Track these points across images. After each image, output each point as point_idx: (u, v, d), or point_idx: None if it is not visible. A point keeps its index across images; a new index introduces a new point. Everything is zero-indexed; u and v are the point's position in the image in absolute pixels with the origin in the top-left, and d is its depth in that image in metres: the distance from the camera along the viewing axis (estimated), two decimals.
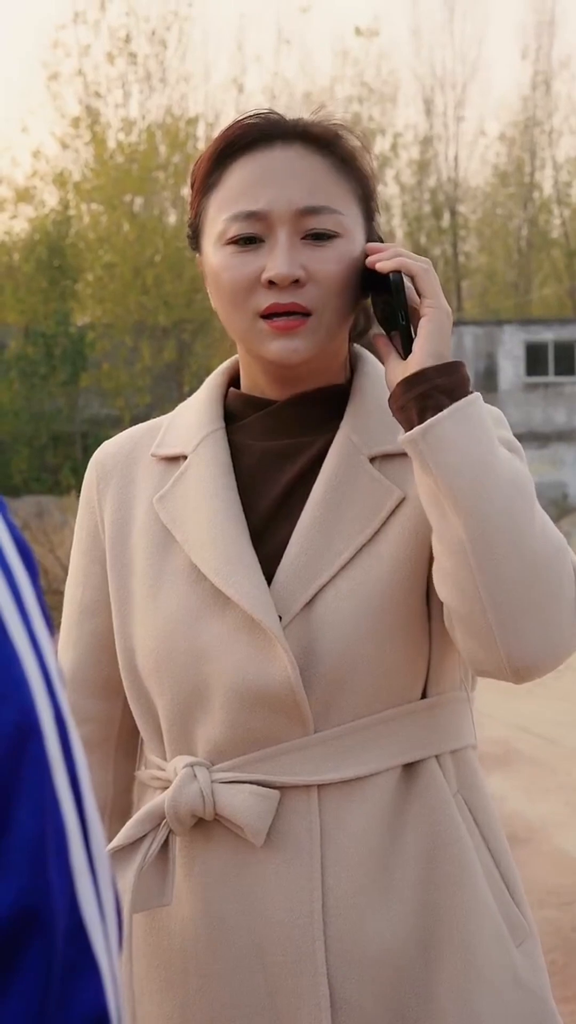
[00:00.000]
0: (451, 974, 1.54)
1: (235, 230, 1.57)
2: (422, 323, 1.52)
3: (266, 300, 1.56)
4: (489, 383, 33.42)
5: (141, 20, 39.17)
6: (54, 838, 0.70)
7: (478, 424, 1.47)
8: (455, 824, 1.57)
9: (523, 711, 9.47)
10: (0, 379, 33.20)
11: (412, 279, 1.55)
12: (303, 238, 1.57)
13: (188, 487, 1.65)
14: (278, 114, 1.63)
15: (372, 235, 1.65)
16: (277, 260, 1.55)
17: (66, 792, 0.72)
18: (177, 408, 1.77)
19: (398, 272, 1.54)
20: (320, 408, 1.63)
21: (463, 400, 1.48)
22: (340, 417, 1.64)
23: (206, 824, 1.58)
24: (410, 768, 1.58)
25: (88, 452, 31.41)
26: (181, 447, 1.68)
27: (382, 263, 1.55)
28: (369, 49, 57.98)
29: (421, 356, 1.51)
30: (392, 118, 44.73)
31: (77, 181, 35.34)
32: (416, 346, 1.52)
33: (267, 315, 1.56)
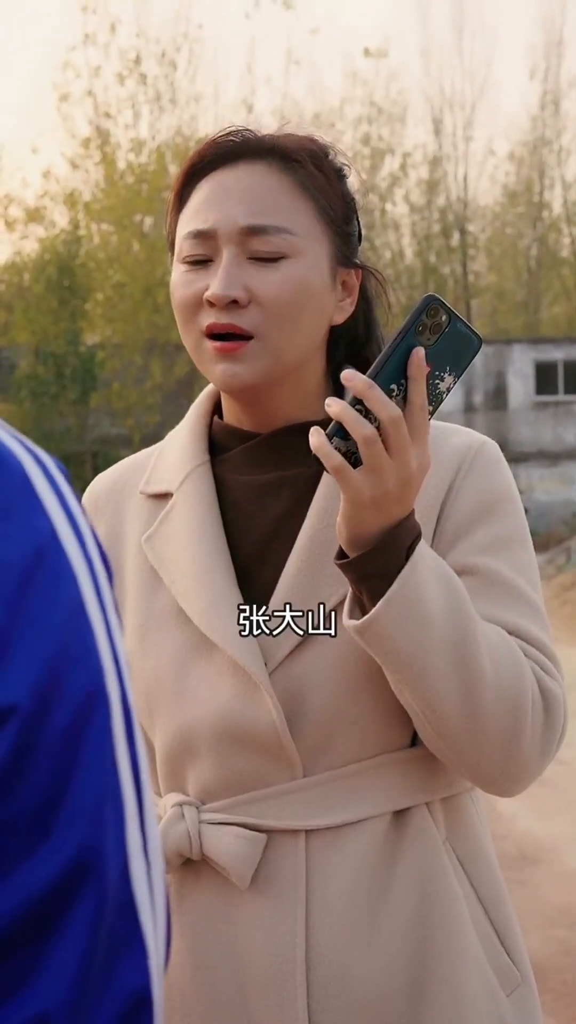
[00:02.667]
0: (439, 1023, 1.51)
1: (188, 249, 1.56)
2: (339, 512, 1.42)
3: (207, 319, 1.53)
4: (498, 402, 33.40)
5: (151, 41, 39.34)
6: (112, 808, 0.71)
7: (417, 603, 1.40)
8: (444, 872, 1.55)
9: None
10: (10, 399, 33.23)
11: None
12: (250, 258, 1.53)
13: (174, 527, 1.63)
14: (251, 131, 1.59)
15: (344, 260, 1.60)
16: (216, 280, 1.52)
17: (127, 769, 0.73)
18: (166, 438, 1.75)
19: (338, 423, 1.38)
20: (304, 441, 1.54)
21: (396, 583, 1.39)
22: None
23: (195, 864, 1.56)
24: (400, 815, 1.55)
25: (98, 471, 31.07)
26: (167, 484, 1.66)
27: (328, 406, 1.39)
28: (378, 70, 58.21)
29: (340, 538, 1.43)
30: (401, 138, 44.85)
31: (87, 201, 35.43)
32: (345, 522, 1.42)
33: (211, 335, 1.54)
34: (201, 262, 1.55)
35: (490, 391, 33.54)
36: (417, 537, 1.43)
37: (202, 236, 1.54)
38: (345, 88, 57.48)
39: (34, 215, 36.11)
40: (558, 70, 45.44)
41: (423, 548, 1.43)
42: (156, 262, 32.16)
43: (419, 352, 1.39)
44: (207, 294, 1.52)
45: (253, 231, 1.53)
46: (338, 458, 1.37)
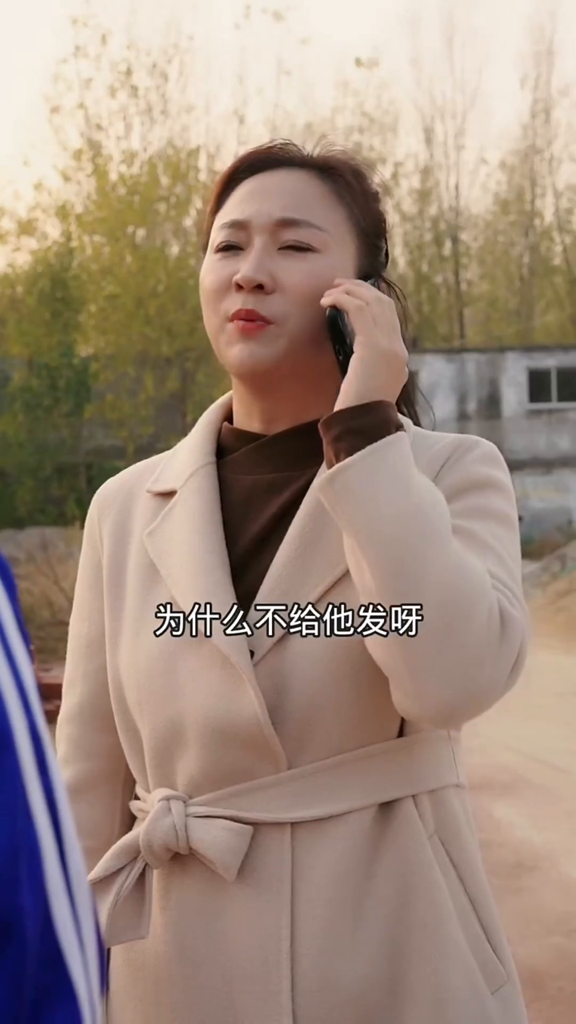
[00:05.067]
0: (420, 1018, 1.51)
1: (222, 238, 1.63)
2: (351, 361, 1.52)
3: (234, 304, 1.59)
4: (492, 410, 33.45)
5: (142, 53, 39.42)
6: (28, 859, 0.67)
7: (392, 467, 1.44)
8: (429, 866, 1.55)
9: (530, 738, 9.46)
10: (4, 411, 33.24)
11: (346, 314, 1.55)
12: (281, 248, 1.60)
13: (175, 522, 1.66)
14: (296, 145, 1.68)
15: (371, 268, 1.66)
16: (245, 266, 1.59)
17: (41, 810, 0.69)
18: (177, 444, 1.79)
19: (334, 307, 1.55)
20: (309, 442, 1.61)
21: (379, 442, 1.45)
22: None
23: (182, 858, 1.57)
24: (385, 807, 1.55)
25: (92, 483, 31.42)
26: (172, 483, 1.70)
27: (323, 298, 1.56)
28: (369, 80, 58.29)
29: (343, 396, 1.51)
30: (393, 147, 44.95)
31: (79, 213, 35.47)
32: (343, 385, 1.52)
33: (233, 319, 1.59)
34: (233, 249, 1.62)
35: (484, 399, 33.59)
36: (402, 428, 1.50)
37: (237, 226, 1.62)
38: (336, 98, 57.77)
39: (26, 227, 36.13)
40: (549, 79, 45.43)
41: (407, 439, 1.49)
42: (148, 273, 32.21)
43: (332, 311, 1.57)
44: (236, 276, 1.58)
45: (286, 223, 1.60)
46: (359, 301, 1.54)
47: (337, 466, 1.45)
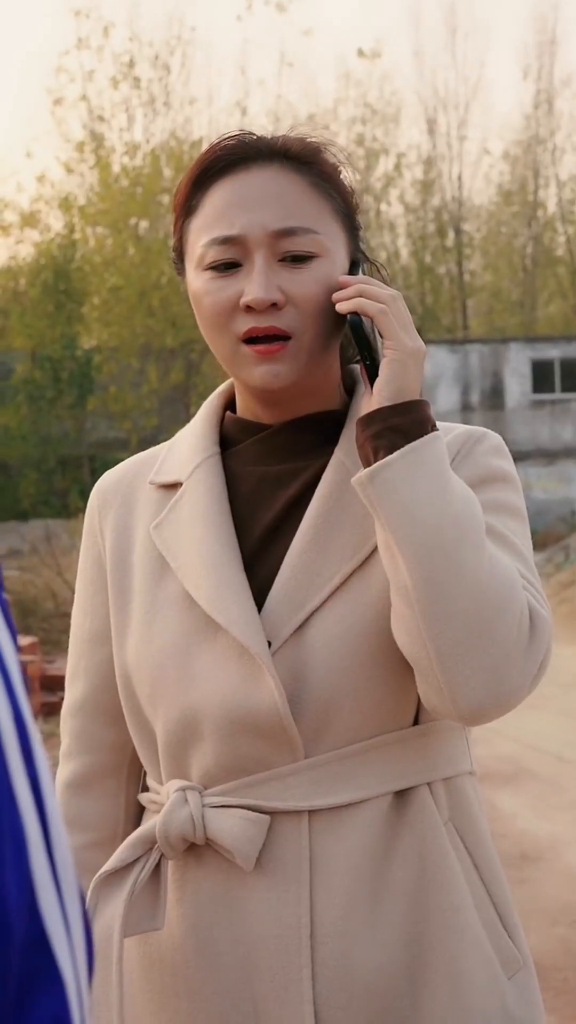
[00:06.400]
0: (438, 1005, 1.52)
1: (213, 255, 1.57)
2: (382, 365, 1.51)
3: (245, 324, 1.55)
4: (495, 401, 33.42)
5: (144, 45, 39.37)
6: (12, 844, 0.67)
7: (432, 466, 1.46)
8: (445, 853, 1.56)
9: (533, 729, 9.46)
10: (8, 403, 33.27)
11: (371, 321, 1.54)
12: (280, 260, 1.56)
13: (183, 514, 1.65)
14: (255, 134, 1.62)
15: (356, 252, 1.64)
16: (254, 285, 1.54)
17: (27, 798, 0.69)
18: (176, 435, 1.78)
19: (355, 314, 1.54)
20: (314, 433, 1.62)
21: (418, 440, 1.46)
22: (335, 442, 1.63)
23: (198, 848, 1.58)
24: (401, 795, 1.56)
25: (96, 475, 31.32)
26: (177, 474, 1.69)
27: (340, 304, 1.54)
28: (372, 70, 58.24)
29: (378, 396, 1.50)
30: (395, 138, 44.86)
31: (82, 205, 35.46)
32: (376, 386, 1.51)
33: (248, 339, 1.56)
34: (229, 267, 1.57)
35: (487, 390, 33.55)
36: (437, 429, 1.51)
37: (229, 242, 1.56)
38: (339, 89, 57.64)
39: (29, 219, 36.15)
40: (551, 69, 45.36)
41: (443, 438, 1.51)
42: (151, 265, 32.19)
43: (354, 318, 1.56)
44: (246, 300, 1.54)
45: (285, 233, 1.55)
46: (382, 305, 1.52)
47: (378, 463, 1.45)
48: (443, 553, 1.43)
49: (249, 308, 1.55)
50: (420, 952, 1.53)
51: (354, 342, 1.55)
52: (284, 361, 1.56)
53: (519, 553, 1.55)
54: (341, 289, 1.56)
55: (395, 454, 1.45)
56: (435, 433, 1.48)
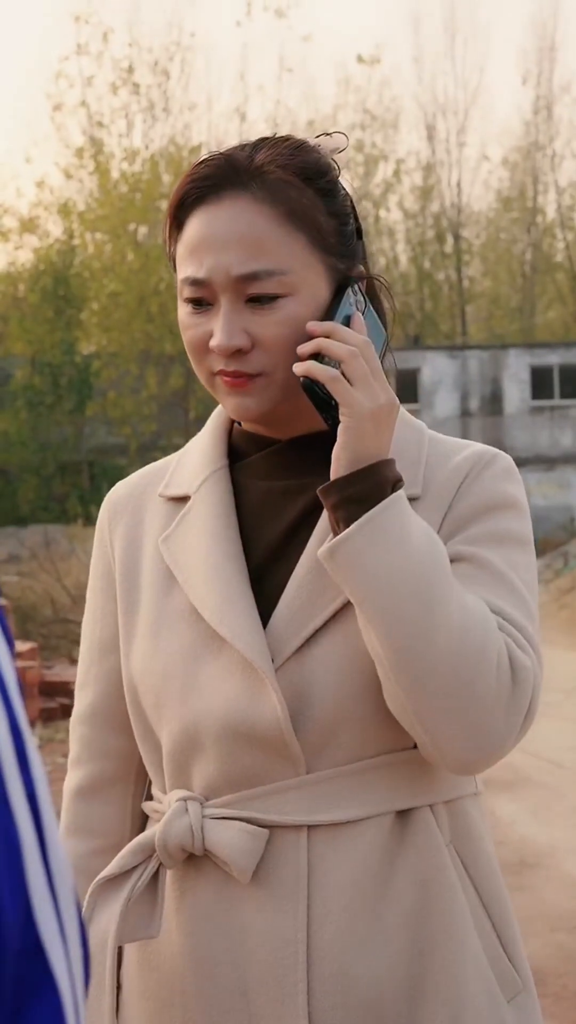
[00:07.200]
0: None
1: (187, 292, 1.57)
2: (339, 429, 1.49)
3: (216, 364, 1.56)
4: (495, 407, 33.44)
5: (144, 51, 39.47)
6: (6, 853, 0.67)
7: (392, 532, 1.45)
8: (447, 875, 1.55)
9: (533, 735, 9.44)
10: (7, 409, 33.28)
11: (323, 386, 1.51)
12: (248, 301, 1.54)
13: (190, 528, 1.66)
14: (228, 155, 1.58)
15: (347, 274, 1.58)
16: (218, 331, 1.54)
17: (22, 807, 0.69)
18: (186, 446, 1.78)
19: (307, 377, 1.50)
20: (323, 449, 1.59)
21: (376, 508, 1.45)
22: None
23: (197, 859, 1.58)
24: (403, 815, 1.56)
25: (95, 480, 31.42)
26: (185, 487, 1.69)
27: (295, 366, 1.51)
28: (371, 76, 58.33)
29: (335, 464, 1.49)
30: (395, 144, 44.95)
31: (81, 211, 35.52)
32: (333, 453, 1.50)
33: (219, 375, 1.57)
34: (202, 304, 1.57)
35: (486, 396, 33.57)
36: (400, 482, 1.48)
37: (198, 284, 1.55)
38: (338, 95, 57.59)
39: (28, 225, 36.19)
40: (551, 75, 45.50)
41: (404, 496, 1.48)
42: (150, 271, 32.22)
43: (358, 315, 1.57)
44: (212, 344, 1.55)
45: (247, 278, 1.53)
46: (333, 371, 1.48)
47: (337, 539, 1.45)
48: (411, 622, 1.43)
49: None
50: (419, 972, 1.52)
51: (312, 404, 1.53)
52: (253, 395, 1.56)
53: (512, 588, 1.54)
54: (310, 328, 1.52)
55: (353, 527, 1.44)
56: (394, 495, 1.46)
